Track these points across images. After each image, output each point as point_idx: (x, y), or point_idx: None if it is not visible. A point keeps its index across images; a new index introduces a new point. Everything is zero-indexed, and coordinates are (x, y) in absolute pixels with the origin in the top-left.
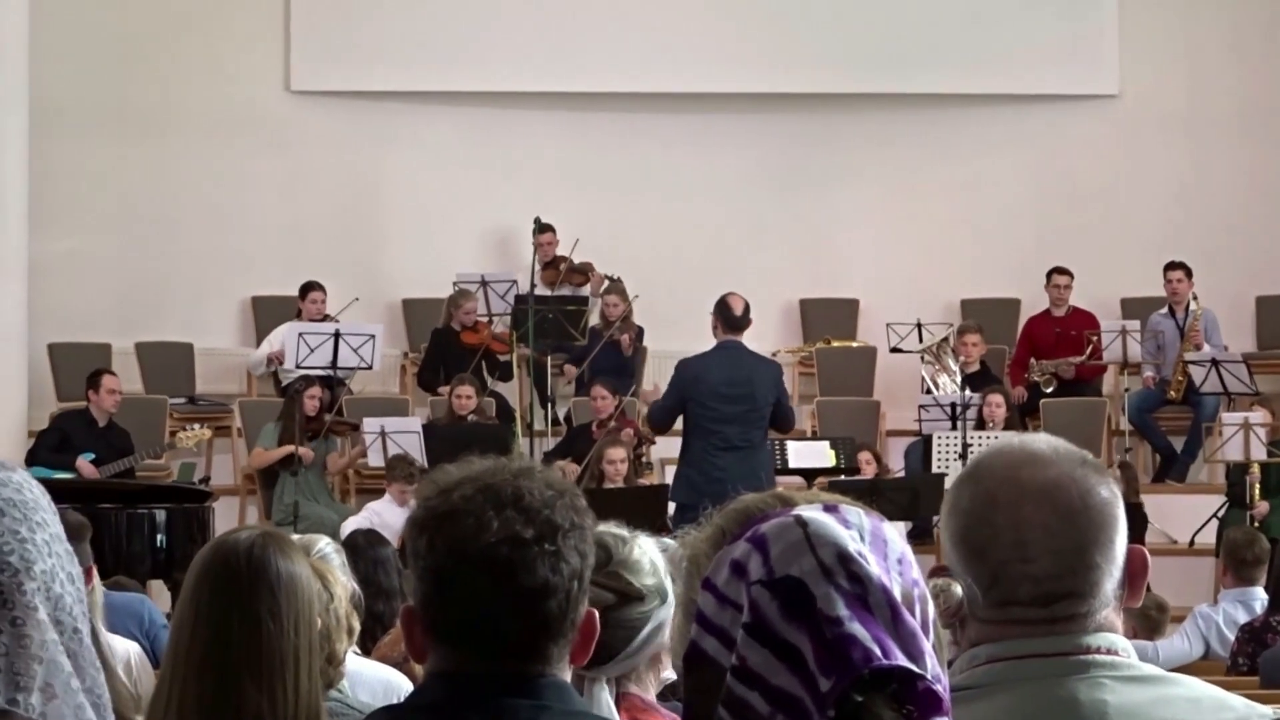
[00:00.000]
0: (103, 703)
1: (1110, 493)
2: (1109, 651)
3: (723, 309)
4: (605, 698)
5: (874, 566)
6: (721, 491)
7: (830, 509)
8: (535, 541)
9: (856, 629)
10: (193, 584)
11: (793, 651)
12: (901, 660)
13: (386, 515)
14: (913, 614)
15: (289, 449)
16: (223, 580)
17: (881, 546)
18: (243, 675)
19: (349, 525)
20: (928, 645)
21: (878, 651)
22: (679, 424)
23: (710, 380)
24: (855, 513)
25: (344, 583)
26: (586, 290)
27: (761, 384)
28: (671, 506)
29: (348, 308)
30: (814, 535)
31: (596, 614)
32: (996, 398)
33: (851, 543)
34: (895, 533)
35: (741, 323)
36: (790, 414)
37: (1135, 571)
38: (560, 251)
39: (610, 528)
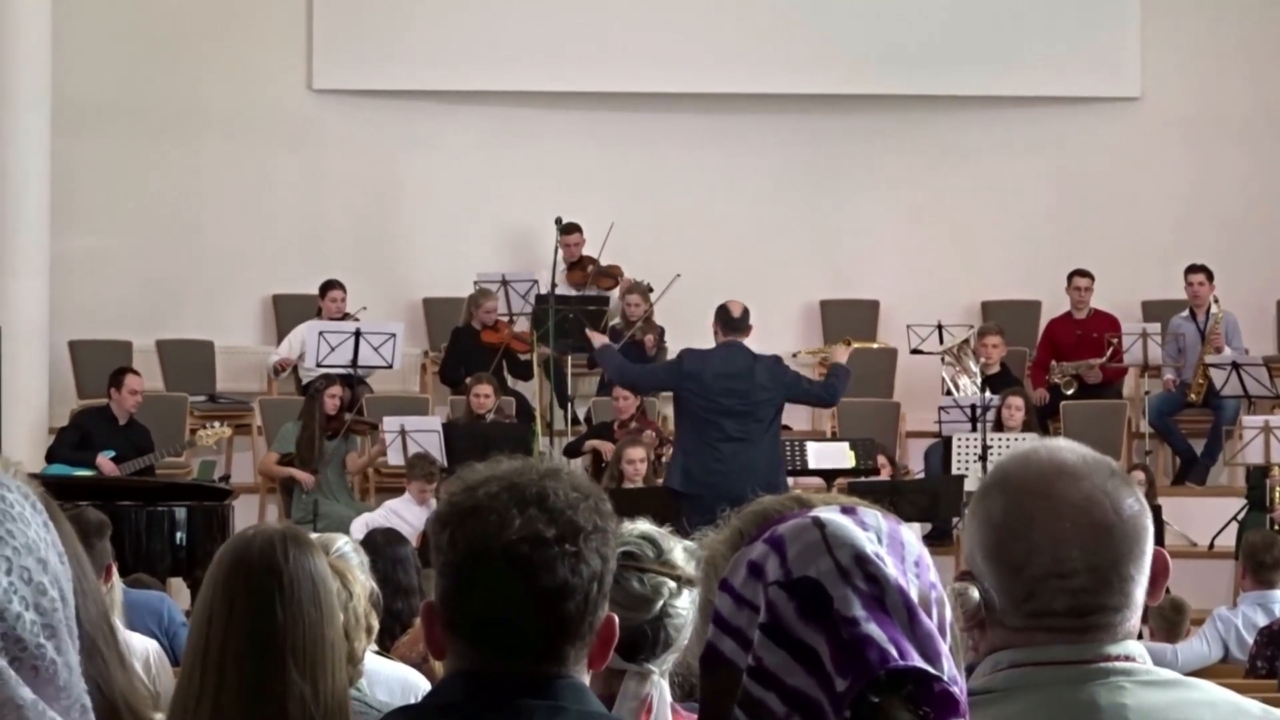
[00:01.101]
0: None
1: (1139, 504)
2: (1127, 659)
3: (722, 313)
4: (664, 691)
5: (891, 568)
6: (717, 482)
7: (848, 511)
8: (556, 542)
9: (873, 630)
10: (224, 577)
11: (809, 652)
12: (918, 662)
13: (405, 513)
14: (930, 616)
15: (292, 472)
16: (262, 571)
17: (899, 549)
18: (287, 663)
19: (360, 523)
20: (944, 647)
21: (894, 653)
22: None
23: (708, 372)
24: (873, 514)
25: (362, 581)
26: (614, 293)
27: (760, 380)
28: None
29: (358, 313)
30: (831, 536)
31: (616, 618)
32: (1015, 400)
33: (869, 544)
34: (912, 535)
35: (740, 324)
36: (822, 390)
37: (1156, 572)
38: (588, 250)
39: (643, 525)
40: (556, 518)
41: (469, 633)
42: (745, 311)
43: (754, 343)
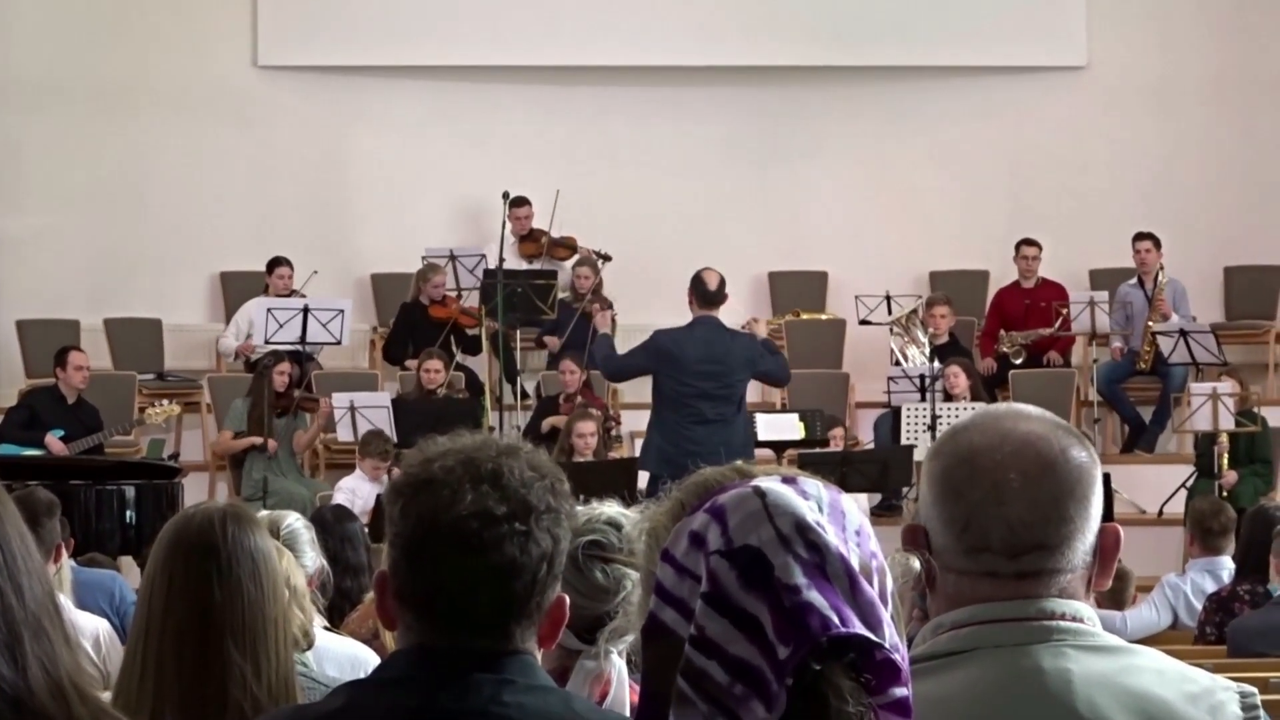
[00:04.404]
0: None
1: (1089, 458)
2: (1074, 619)
3: (698, 284)
4: (622, 670)
5: (832, 536)
6: (695, 466)
7: (788, 480)
8: (506, 519)
9: (815, 597)
10: (164, 555)
11: (751, 621)
12: (859, 629)
13: (360, 490)
14: (870, 584)
15: (253, 440)
16: (200, 549)
17: (839, 518)
18: (226, 641)
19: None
20: (886, 615)
21: (836, 620)
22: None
23: (686, 357)
24: (813, 484)
25: (311, 556)
26: (569, 264)
27: (736, 361)
28: (643, 478)
29: (308, 282)
30: (772, 505)
31: (566, 599)
32: (953, 369)
33: (810, 513)
34: (853, 505)
35: (717, 298)
36: (776, 370)
37: (1107, 547)
38: (539, 222)
39: (610, 509)
40: (509, 496)
41: (417, 605)
42: (722, 282)
43: None
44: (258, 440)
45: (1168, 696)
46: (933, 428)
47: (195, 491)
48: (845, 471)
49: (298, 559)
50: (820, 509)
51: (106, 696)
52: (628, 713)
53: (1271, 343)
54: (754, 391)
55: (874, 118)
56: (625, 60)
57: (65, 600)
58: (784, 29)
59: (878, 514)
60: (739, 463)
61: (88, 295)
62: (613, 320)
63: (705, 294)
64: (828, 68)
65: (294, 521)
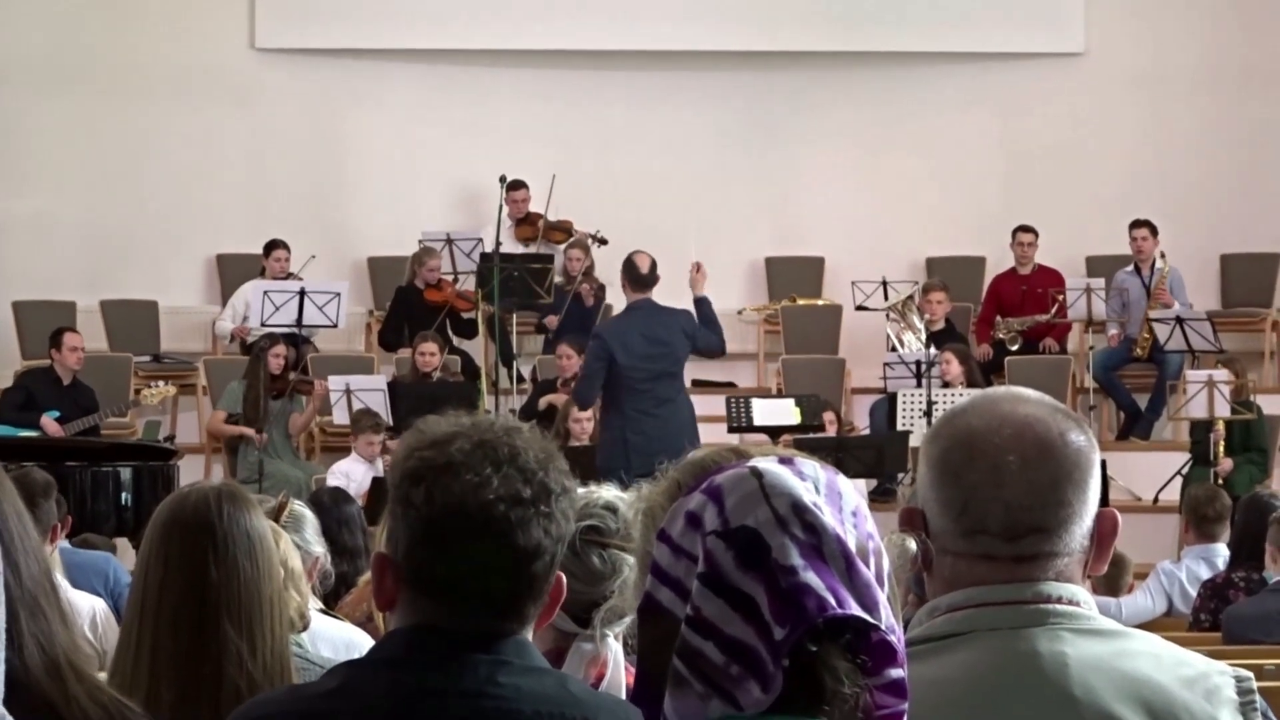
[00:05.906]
0: None
1: (1087, 441)
2: (1070, 602)
3: (630, 269)
4: (618, 653)
5: (829, 517)
6: (662, 449)
7: (785, 461)
8: (532, 502)
9: (811, 578)
10: (160, 534)
11: (747, 601)
12: (856, 610)
13: (354, 473)
14: (867, 566)
15: (243, 431)
16: (195, 528)
17: (836, 499)
18: (221, 619)
19: None
20: (882, 596)
21: (832, 601)
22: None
23: (633, 342)
24: (810, 465)
25: (317, 543)
26: (564, 247)
27: (676, 336)
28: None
29: (305, 266)
30: (769, 486)
31: (564, 578)
32: (946, 355)
33: (806, 494)
34: (850, 486)
35: (650, 280)
36: (711, 343)
37: (1104, 532)
38: (535, 206)
39: (608, 493)
40: (530, 478)
41: (433, 589)
42: (653, 264)
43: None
44: (248, 431)
45: (1163, 680)
46: (929, 414)
47: (191, 473)
48: (841, 457)
49: (305, 545)
50: (817, 490)
51: (102, 675)
52: (623, 695)
53: (1267, 330)
54: (749, 376)
55: (871, 103)
56: (622, 44)
57: (61, 579)
58: (781, 14)
59: (873, 499)
60: (736, 443)
61: (84, 277)
62: (598, 299)
63: (638, 278)
64: (824, 53)
65: (300, 508)
